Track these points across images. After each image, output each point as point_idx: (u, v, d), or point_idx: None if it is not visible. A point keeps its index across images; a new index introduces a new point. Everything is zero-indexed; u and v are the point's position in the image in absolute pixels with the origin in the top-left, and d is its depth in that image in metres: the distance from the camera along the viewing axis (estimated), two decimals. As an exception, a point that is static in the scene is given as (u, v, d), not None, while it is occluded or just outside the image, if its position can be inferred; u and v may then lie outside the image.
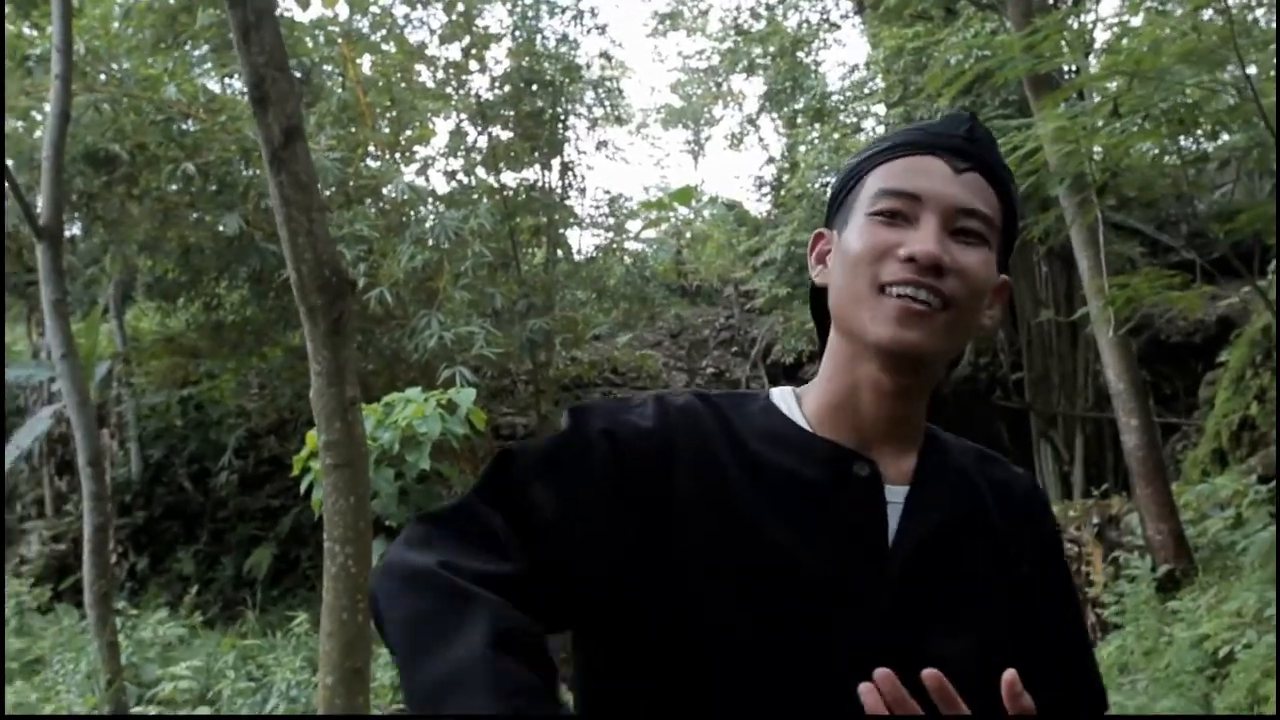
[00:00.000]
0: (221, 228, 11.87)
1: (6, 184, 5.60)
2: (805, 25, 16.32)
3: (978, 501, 1.24)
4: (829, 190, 1.33)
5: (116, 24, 12.26)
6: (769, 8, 16.44)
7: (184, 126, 11.99)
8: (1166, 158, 9.10)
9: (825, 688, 1.11)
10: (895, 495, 1.17)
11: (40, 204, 5.94)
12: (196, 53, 13.15)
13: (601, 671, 1.23)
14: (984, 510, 1.24)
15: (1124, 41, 7.83)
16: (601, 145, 15.11)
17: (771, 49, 16.08)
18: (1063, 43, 8.46)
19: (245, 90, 13.14)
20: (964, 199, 1.13)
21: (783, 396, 1.29)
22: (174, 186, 11.78)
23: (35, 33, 12.26)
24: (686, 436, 1.18)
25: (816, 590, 1.13)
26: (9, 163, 6.52)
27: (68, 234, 9.08)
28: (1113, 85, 7.86)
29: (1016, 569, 1.23)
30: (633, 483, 1.14)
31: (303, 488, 8.46)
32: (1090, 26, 10.39)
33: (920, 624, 1.14)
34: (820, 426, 1.20)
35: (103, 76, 11.19)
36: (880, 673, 0.98)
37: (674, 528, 1.13)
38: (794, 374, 14.83)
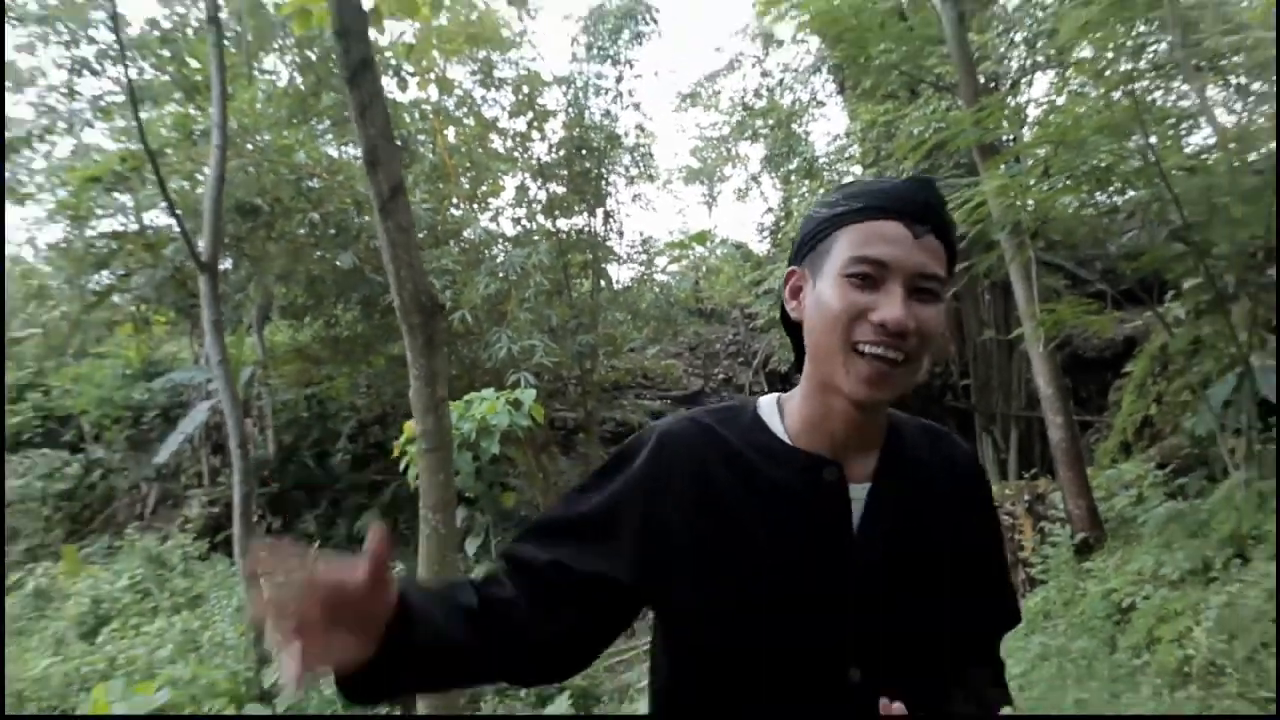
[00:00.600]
0: (339, 263, 11.94)
1: (178, 227, 5.72)
2: (797, 103, 16.27)
3: (928, 483, 1.26)
4: (799, 227, 1.30)
5: (260, 105, 12.39)
6: (769, 89, 16.41)
7: (310, 184, 12.10)
8: (1085, 209, 9.04)
9: (801, 660, 1.16)
10: (859, 492, 1.20)
11: (202, 245, 6.00)
12: (320, 126, 13.26)
13: (658, 649, 1.35)
14: (933, 488, 1.26)
15: (1052, 117, 7.79)
16: (636, 198, 15.12)
17: (770, 121, 16.07)
18: (1003, 118, 8.45)
19: (359, 155, 13.37)
20: (923, 264, 1.12)
21: (769, 407, 1.30)
22: (302, 231, 11.88)
23: (198, 112, 12.48)
24: (684, 461, 1.22)
25: (794, 576, 1.18)
26: (179, 213, 6.58)
27: (222, 268, 9.16)
28: (1043, 151, 7.84)
29: (960, 528, 1.26)
30: (647, 505, 1.21)
31: (401, 467, 8.58)
32: (1024, 105, 10.38)
33: (883, 597, 1.17)
34: (798, 438, 1.22)
35: (249, 146, 11.31)
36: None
37: (678, 531, 1.19)
38: (787, 378, 14.78)
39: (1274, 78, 7.54)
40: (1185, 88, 8.76)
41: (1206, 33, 8.32)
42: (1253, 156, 7.91)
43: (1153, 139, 7.27)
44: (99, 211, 12.95)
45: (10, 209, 20.88)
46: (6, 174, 17.40)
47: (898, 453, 1.25)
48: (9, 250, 21.92)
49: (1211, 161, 7.73)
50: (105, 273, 12.85)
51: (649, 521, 1.20)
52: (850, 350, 1.11)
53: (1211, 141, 8.78)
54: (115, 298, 13.01)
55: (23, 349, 14.37)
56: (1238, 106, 9.87)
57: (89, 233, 12.94)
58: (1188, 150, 8.24)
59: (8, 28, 15.35)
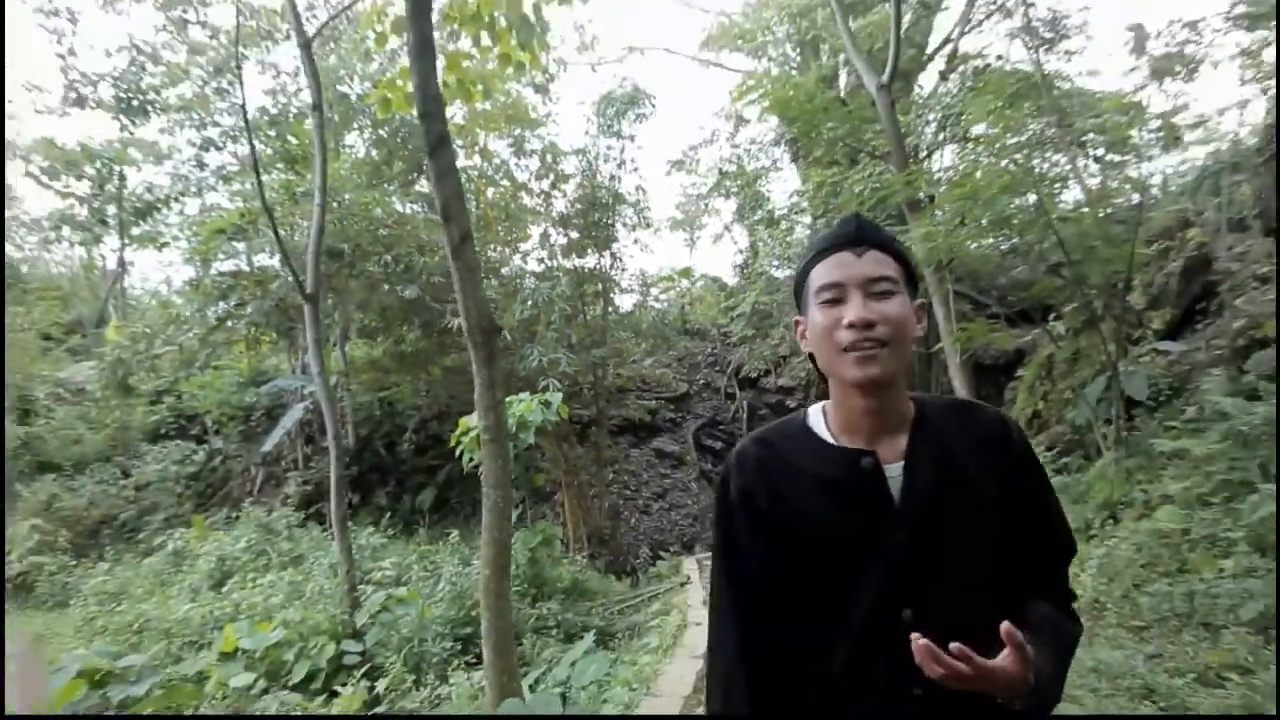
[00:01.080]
0: (405, 294, 12.00)
1: (286, 267, 5.71)
2: (761, 168, 16.33)
3: (959, 449, 1.23)
4: (791, 286, 1.39)
5: (344, 172, 12.52)
6: (738, 157, 16.46)
7: (382, 233, 12.14)
8: (988, 250, 9.12)
9: (870, 609, 1.17)
10: (894, 471, 1.20)
11: (307, 280, 5.99)
12: (390, 188, 13.32)
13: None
14: (964, 453, 1.23)
15: (965, 179, 7.81)
16: (635, 241, 15.17)
17: (739, 182, 16.13)
18: (924, 181, 8.51)
19: (421, 210, 13.51)
20: (869, 271, 1.18)
21: (815, 416, 1.32)
22: (376, 269, 11.96)
23: (296, 177, 12.54)
24: (757, 474, 1.28)
25: (850, 547, 1.20)
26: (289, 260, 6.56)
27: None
28: (954, 206, 7.89)
29: (999, 480, 1.22)
30: (740, 507, 1.27)
31: (456, 454, 8.60)
32: (940, 171, 10.43)
33: (929, 553, 1.18)
34: (839, 436, 1.26)
35: (335, 204, 11.35)
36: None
37: (764, 525, 1.25)
38: (755, 383, 14.79)
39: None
40: (1060, 158, 8.84)
41: (1074, 117, 8.41)
42: (1112, 209, 8.00)
43: (1033, 197, 7.35)
44: (220, 256, 12.97)
45: (151, 254, 20.94)
46: (152, 228, 17.50)
47: (925, 431, 1.24)
48: (152, 286, 22.03)
49: (1083, 213, 7.81)
50: (224, 303, 12.85)
51: (758, 529, 1.26)
52: (839, 353, 1.17)
53: (1081, 198, 8.89)
54: (231, 323, 13.00)
55: (161, 362, 14.34)
56: (1097, 171, 9.96)
57: (212, 272, 12.94)
58: (1064, 205, 8.31)
59: (153, 116, 15.45)
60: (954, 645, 1.02)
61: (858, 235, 1.22)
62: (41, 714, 2.81)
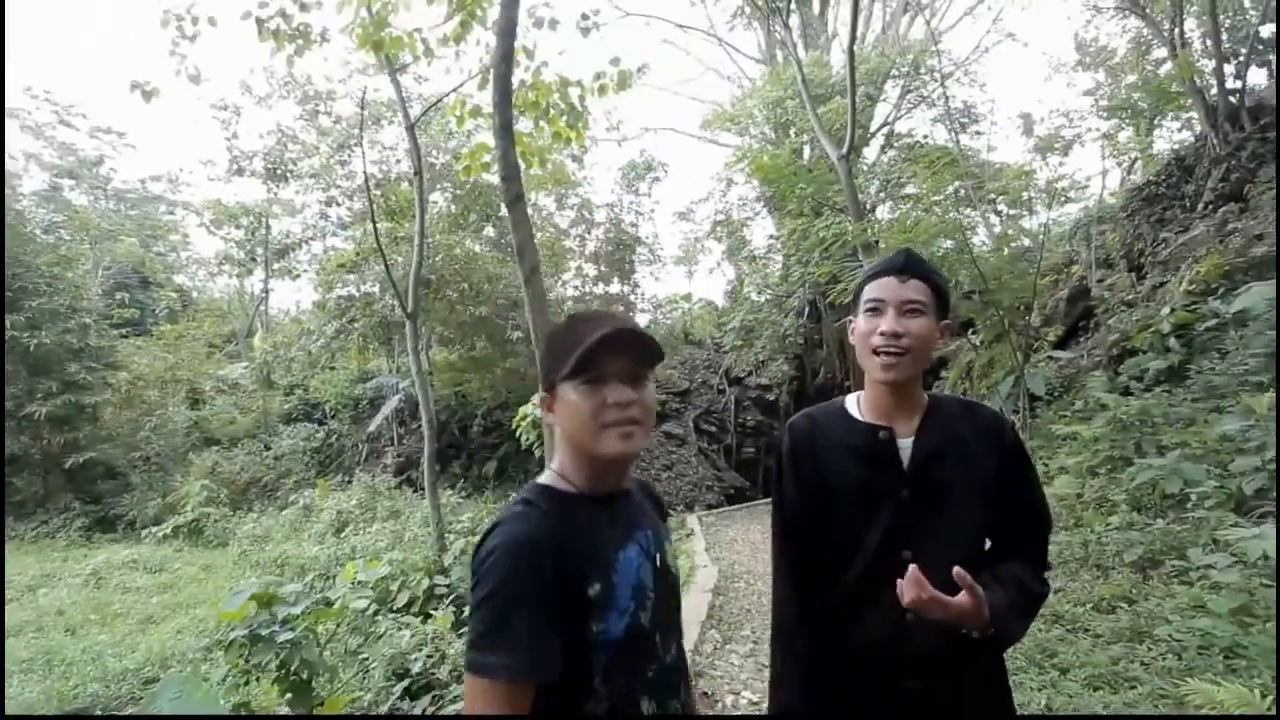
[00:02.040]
0: (477, 313, 12.02)
1: (393, 293, 5.71)
2: (745, 219, 16.31)
3: (960, 434, 1.21)
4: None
5: (431, 220, 12.51)
6: (727, 211, 16.41)
7: (459, 266, 12.15)
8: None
9: (879, 545, 1.16)
10: (905, 444, 1.21)
11: (409, 303, 5.95)
12: (465, 233, 13.33)
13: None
14: (964, 437, 1.20)
15: (904, 227, 7.73)
16: (649, 273, 15.29)
17: (729, 229, 16.10)
18: (875, 228, 8.42)
19: (491, 250, 13.53)
20: (906, 295, 1.17)
21: (851, 400, 1.30)
22: (455, 294, 11.94)
23: (398, 225, 12.55)
24: (804, 439, 1.28)
25: (870, 497, 1.19)
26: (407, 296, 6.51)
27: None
28: (898, 248, 7.80)
29: (988, 470, 1.19)
30: (789, 462, 1.28)
31: (515, 434, 8.54)
32: (882, 221, 10.32)
33: (927, 509, 1.17)
34: (867, 415, 1.25)
35: (427, 244, 11.37)
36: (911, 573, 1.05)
37: (805, 477, 1.25)
38: (741, 381, 14.63)
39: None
40: (973, 212, 8.76)
41: (983, 181, 8.34)
42: (1012, 250, 7.93)
43: (953, 241, 7.27)
44: (339, 285, 13.00)
45: (289, 283, 21.07)
46: (288, 264, 17.62)
47: (935, 416, 1.22)
48: (285, 308, 22.29)
49: (993, 253, 7.72)
50: (340, 320, 12.86)
51: (801, 480, 1.25)
52: (872, 354, 1.18)
53: (989, 242, 8.81)
54: (345, 335, 13.02)
55: (293, 364, 14.39)
56: (998, 222, 9.89)
57: (333, 296, 12.97)
58: (977, 247, 8.23)
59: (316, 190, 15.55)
60: (955, 570, 1.02)
61: (904, 265, 1.20)
62: (41, 714, 2.74)
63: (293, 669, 2.60)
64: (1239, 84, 8.46)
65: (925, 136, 13.41)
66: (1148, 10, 9.72)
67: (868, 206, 11.19)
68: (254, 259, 19.28)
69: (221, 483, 11.96)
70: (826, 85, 12.12)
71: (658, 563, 1.04)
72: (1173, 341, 5.61)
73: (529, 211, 14.40)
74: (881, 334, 1.16)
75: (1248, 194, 7.17)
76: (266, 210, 18.34)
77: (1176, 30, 9.05)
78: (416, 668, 3.45)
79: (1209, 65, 8.77)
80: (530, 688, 0.86)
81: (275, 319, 20.83)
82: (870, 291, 1.21)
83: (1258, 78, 9.29)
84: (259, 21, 5.70)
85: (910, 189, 11.12)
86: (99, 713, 4.41)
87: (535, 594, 0.87)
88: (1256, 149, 7.64)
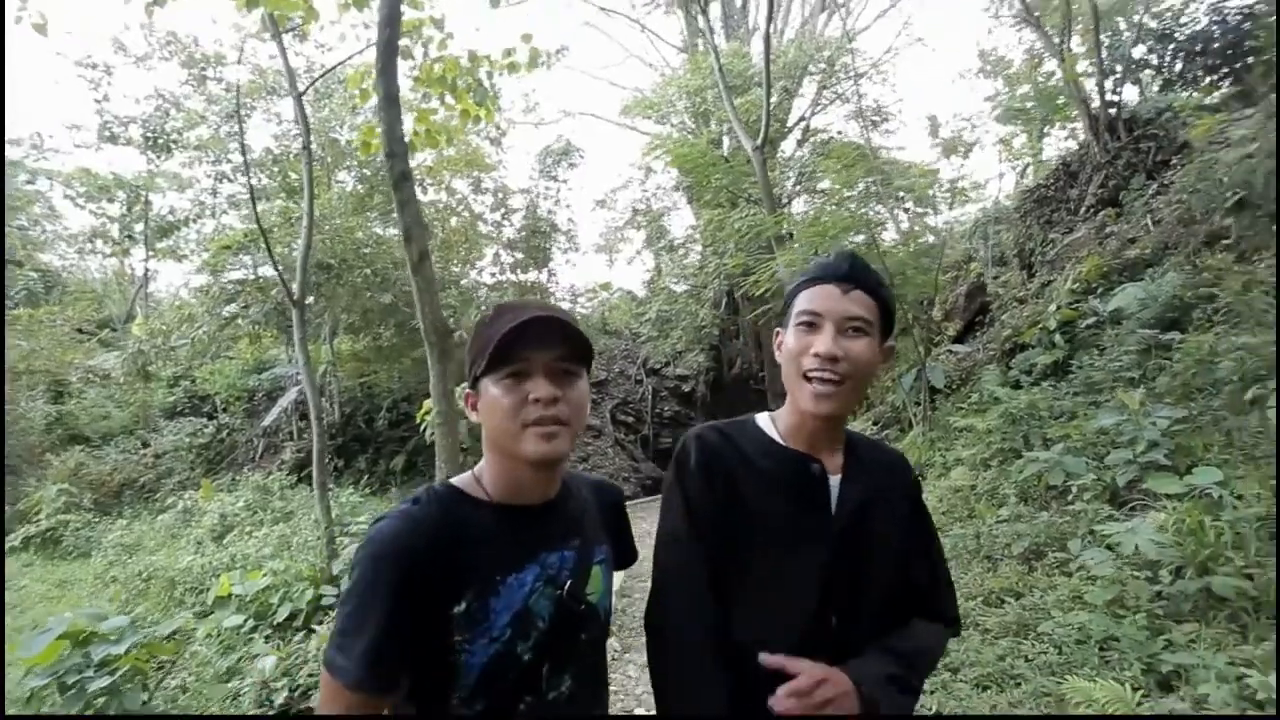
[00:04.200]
0: (382, 300, 11.44)
1: (279, 278, 5.21)
2: (664, 208, 16.27)
3: (877, 476, 1.06)
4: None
5: (334, 201, 11.77)
6: (646, 199, 16.33)
7: (364, 251, 11.45)
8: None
9: (799, 591, 0.99)
10: (834, 481, 1.03)
11: (296, 288, 5.45)
12: (372, 215, 12.57)
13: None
14: (881, 480, 1.06)
15: (816, 221, 7.80)
16: (567, 261, 15.14)
17: (647, 218, 15.99)
18: (787, 221, 8.46)
19: (397, 233, 12.81)
20: (848, 310, 0.99)
21: (765, 421, 1.11)
22: (359, 280, 11.27)
23: (294, 205, 11.64)
24: (716, 454, 1.06)
25: (792, 538, 1.00)
26: (280, 267, 5.98)
27: (307, 303, 8.45)
28: (811, 241, 7.88)
29: (901, 507, 1.06)
30: (708, 481, 1.06)
31: (420, 428, 8.10)
32: (797, 214, 10.44)
33: (853, 554, 1.01)
34: (790, 441, 1.06)
35: (327, 226, 10.65)
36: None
37: (717, 502, 1.03)
38: (658, 372, 14.59)
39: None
40: (881, 208, 8.98)
41: (892, 179, 8.54)
42: (917, 247, 8.15)
43: (863, 236, 7.40)
44: (229, 267, 11.95)
45: (173, 265, 19.30)
46: (173, 243, 16.12)
47: (855, 453, 1.07)
48: (174, 290, 20.38)
49: (900, 249, 7.91)
50: (232, 305, 11.84)
51: (715, 497, 1.03)
52: (802, 378, 0.99)
53: (897, 237, 9.05)
54: (239, 321, 11.99)
55: (178, 353, 13.12)
56: (906, 219, 10.21)
57: (222, 280, 11.91)
58: (885, 242, 8.41)
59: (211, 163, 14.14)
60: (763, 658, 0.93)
61: (849, 274, 1.01)
62: (41, 714, 2.33)
63: (108, 722, 2.21)
64: (1116, 98, 9.05)
65: (839, 133, 13.73)
66: (1042, 22, 10.24)
67: (784, 200, 11.31)
68: (132, 237, 17.53)
69: (88, 485, 10.78)
70: (745, 76, 12.14)
71: (563, 591, 0.93)
72: (1058, 337, 5.89)
73: (444, 195, 13.72)
74: (816, 355, 0.97)
75: (1122, 200, 7.66)
76: (147, 183, 16.68)
77: (1065, 45, 9.57)
78: (280, 698, 3.08)
79: (1092, 80, 9.34)
80: (368, 698, 0.83)
81: (158, 304, 19.06)
82: (805, 302, 1.02)
83: (1130, 94, 10.01)
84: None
85: (824, 184, 11.33)
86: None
87: (387, 602, 0.83)
88: (1130, 158, 8.19)
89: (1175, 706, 2.38)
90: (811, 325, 1.00)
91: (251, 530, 7.67)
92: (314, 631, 4.53)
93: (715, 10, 14.50)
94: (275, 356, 14.54)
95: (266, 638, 4.57)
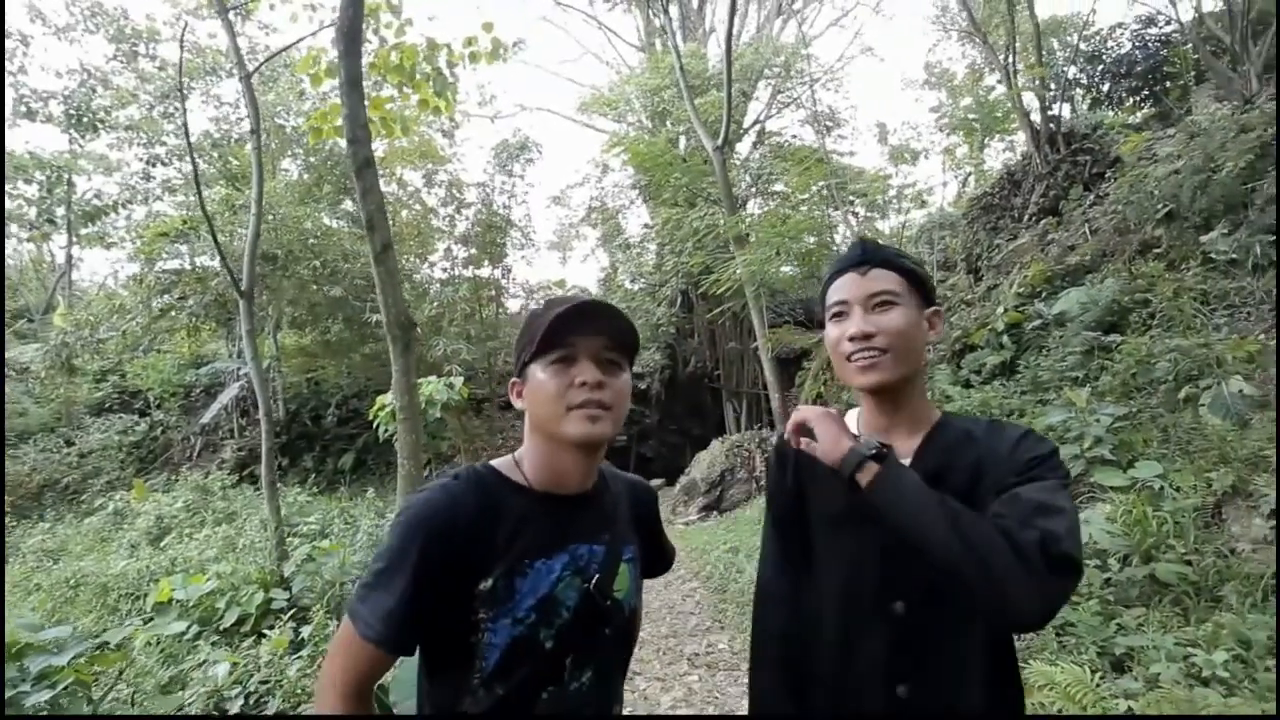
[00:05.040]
0: (330, 293, 11.02)
1: (224, 268, 4.91)
2: (620, 206, 16.20)
3: (968, 462, 0.97)
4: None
5: (280, 190, 11.24)
6: (603, 197, 16.25)
7: (312, 242, 11.02)
8: (789, 275, 9.31)
9: (857, 574, 1.00)
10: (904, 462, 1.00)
11: (243, 279, 5.17)
12: (319, 205, 12.09)
13: None
14: (973, 467, 0.96)
15: (774, 221, 7.90)
16: (521, 257, 15.01)
17: (603, 216, 15.93)
18: (746, 221, 8.54)
19: (345, 224, 12.37)
20: (870, 288, 1.00)
21: (851, 415, 1.12)
22: (306, 272, 10.83)
23: (236, 192, 11.08)
24: (792, 458, 1.12)
25: (855, 522, 1.00)
26: (223, 256, 5.67)
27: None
28: (772, 242, 7.96)
29: (997, 475, 0.93)
30: (780, 474, 1.16)
31: (373, 425, 7.89)
32: (754, 214, 10.57)
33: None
34: (864, 429, 1.06)
35: (272, 216, 10.16)
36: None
37: (791, 493, 1.12)
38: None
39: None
40: (834, 211, 9.18)
41: (847, 181, 8.74)
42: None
43: (813, 238, 7.54)
44: (164, 256, 11.29)
45: (100, 252, 18.16)
46: (100, 229, 15.12)
47: (942, 436, 1.01)
48: (100, 279, 19.10)
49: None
50: (167, 296, 11.18)
51: (784, 491, 1.15)
52: (845, 361, 1.01)
53: (849, 239, 9.27)
54: (175, 313, 11.34)
55: (106, 346, 12.32)
56: (856, 222, 10.48)
57: (156, 270, 11.23)
58: (836, 244, 8.60)
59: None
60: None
61: (862, 256, 1.03)
62: (41, 714, 2.13)
63: (49, 739, 2.03)
64: (1054, 113, 9.52)
65: (794, 136, 13.98)
66: (988, 39, 10.67)
67: (739, 200, 11.44)
68: (52, 221, 16.33)
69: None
70: (703, 78, 12.22)
71: (591, 584, 0.94)
72: (1005, 339, 6.14)
73: (395, 187, 13.37)
74: (850, 338, 0.99)
75: (1062, 209, 8.05)
76: (70, 164, 15.57)
77: (1010, 60, 10.00)
78: (236, 707, 2.91)
79: (1032, 94, 9.79)
80: (378, 651, 0.86)
81: (83, 294, 17.86)
82: (833, 295, 1.05)
83: (1065, 110, 10.54)
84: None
85: (779, 186, 11.51)
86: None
87: (416, 568, 0.85)
88: (1069, 170, 8.62)
89: (1129, 686, 2.51)
90: (841, 314, 1.02)
91: (192, 532, 7.26)
92: (264, 636, 4.32)
93: (673, 11, 14.54)
94: (214, 351, 13.84)
95: (213, 644, 4.32)
